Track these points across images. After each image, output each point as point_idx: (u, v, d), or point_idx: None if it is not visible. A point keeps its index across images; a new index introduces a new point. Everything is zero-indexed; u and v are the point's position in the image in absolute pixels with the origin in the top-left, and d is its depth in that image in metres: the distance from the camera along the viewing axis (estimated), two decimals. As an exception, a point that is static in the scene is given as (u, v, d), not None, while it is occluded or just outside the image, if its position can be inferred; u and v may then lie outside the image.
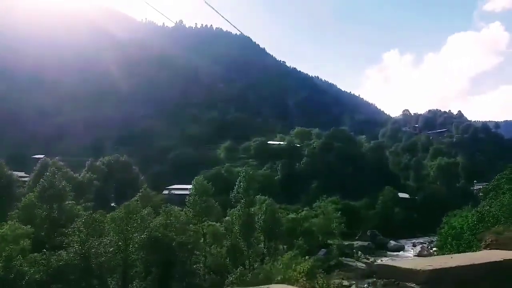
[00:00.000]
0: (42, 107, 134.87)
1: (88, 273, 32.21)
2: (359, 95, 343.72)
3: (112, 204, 70.46)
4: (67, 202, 37.45)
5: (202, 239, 44.29)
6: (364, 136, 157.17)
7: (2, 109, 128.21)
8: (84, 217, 33.16)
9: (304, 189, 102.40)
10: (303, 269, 27.68)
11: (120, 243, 36.96)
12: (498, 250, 3.95)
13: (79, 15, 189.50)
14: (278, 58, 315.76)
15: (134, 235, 37.96)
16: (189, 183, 54.18)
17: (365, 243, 74.98)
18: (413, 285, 2.64)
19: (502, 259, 2.75)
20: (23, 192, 48.14)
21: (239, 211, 47.52)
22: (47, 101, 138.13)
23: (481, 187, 69.06)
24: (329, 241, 63.34)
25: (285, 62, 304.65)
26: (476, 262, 2.66)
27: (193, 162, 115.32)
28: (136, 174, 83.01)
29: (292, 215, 59.97)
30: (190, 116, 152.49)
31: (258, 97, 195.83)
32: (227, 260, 42.83)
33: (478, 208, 43.32)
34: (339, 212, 67.84)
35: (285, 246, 52.55)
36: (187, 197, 46.43)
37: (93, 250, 32.42)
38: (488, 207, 35.41)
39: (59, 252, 32.85)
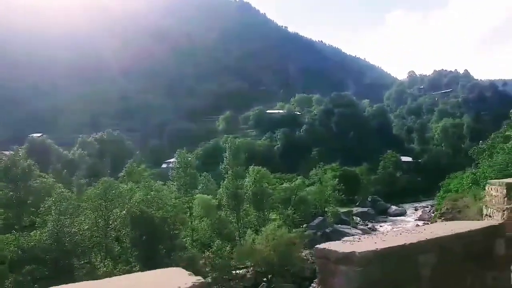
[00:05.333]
0: (38, 86, 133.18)
1: (63, 253, 31.23)
2: (364, 59, 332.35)
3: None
4: (34, 180, 36.15)
5: (188, 212, 43.14)
6: (367, 100, 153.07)
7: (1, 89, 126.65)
8: (54, 196, 31.79)
9: (304, 158, 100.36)
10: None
11: (99, 220, 35.95)
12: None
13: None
14: (280, 23, 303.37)
15: (114, 211, 36.89)
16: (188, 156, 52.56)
17: (365, 209, 73.88)
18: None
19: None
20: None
21: (227, 183, 46.12)
22: (43, 79, 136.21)
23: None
24: (326, 209, 62.03)
25: (287, 28, 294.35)
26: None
27: (192, 135, 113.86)
28: (130, 149, 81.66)
29: (285, 185, 58.30)
30: (187, 88, 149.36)
31: (258, 65, 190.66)
32: (214, 233, 41.66)
33: (473, 170, 41.24)
34: (336, 179, 66.16)
35: (281, 216, 51.28)
36: (170, 170, 45.03)
37: (66, 229, 31.29)
38: (480, 168, 33.30)
39: (33, 232, 31.89)
